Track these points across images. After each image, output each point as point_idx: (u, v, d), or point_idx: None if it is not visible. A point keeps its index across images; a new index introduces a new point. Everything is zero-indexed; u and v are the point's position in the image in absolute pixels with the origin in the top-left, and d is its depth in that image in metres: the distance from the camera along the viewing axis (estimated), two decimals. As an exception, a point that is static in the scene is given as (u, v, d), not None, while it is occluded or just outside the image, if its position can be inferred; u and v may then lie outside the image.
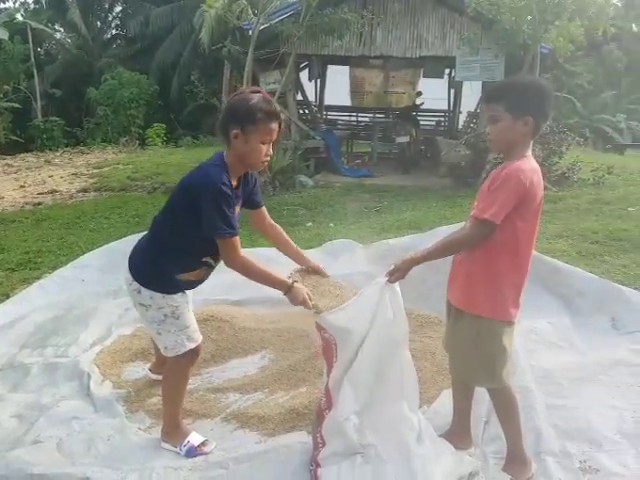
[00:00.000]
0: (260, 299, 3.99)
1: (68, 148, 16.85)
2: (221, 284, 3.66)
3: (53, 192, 9.55)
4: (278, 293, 2.36)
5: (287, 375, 3.15)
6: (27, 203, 8.68)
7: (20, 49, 19.54)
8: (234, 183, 2.32)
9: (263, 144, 2.28)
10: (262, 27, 9.64)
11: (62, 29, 24.25)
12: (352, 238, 5.06)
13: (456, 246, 2.23)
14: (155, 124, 17.84)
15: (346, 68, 16.24)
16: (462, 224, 2.43)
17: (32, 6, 24.62)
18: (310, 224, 6.97)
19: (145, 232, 2.61)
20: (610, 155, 16.14)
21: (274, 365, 3.30)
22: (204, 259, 2.42)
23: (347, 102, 17.08)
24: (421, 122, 13.72)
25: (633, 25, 20.86)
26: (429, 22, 10.33)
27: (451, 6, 10.19)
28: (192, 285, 2.52)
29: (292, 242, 2.71)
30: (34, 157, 14.80)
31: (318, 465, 2.25)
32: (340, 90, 16.36)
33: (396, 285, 2.22)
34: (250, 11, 11.65)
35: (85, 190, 9.70)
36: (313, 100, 14.44)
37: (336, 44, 10.19)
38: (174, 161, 12.64)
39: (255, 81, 10.49)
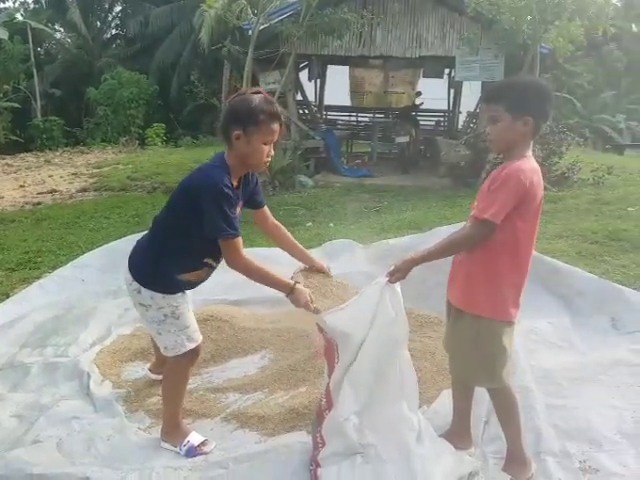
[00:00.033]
0: (260, 299, 3.99)
1: (68, 148, 16.84)
2: (221, 284, 3.66)
3: (53, 192, 9.54)
4: (278, 293, 2.36)
5: (287, 375, 3.15)
6: (27, 203, 8.68)
7: (20, 49, 19.53)
8: (235, 183, 2.32)
9: (265, 145, 2.28)
10: (262, 27, 9.65)
11: (62, 29, 24.25)
12: (352, 238, 5.05)
13: (456, 246, 2.23)
14: (155, 124, 17.85)
15: (346, 68, 16.25)
16: (462, 224, 2.43)
17: (32, 6, 24.65)
18: (310, 224, 6.97)
19: (145, 232, 2.61)
20: (610, 155, 16.15)
21: (274, 365, 3.30)
22: (205, 260, 2.42)
23: (347, 102, 17.09)
24: (421, 122, 13.72)
25: (633, 25, 20.89)
26: (429, 22, 10.33)
27: (451, 6, 10.19)
28: (192, 285, 2.52)
29: (296, 241, 2.71)
30: (34, 157, 14.79)
31: (318, 465, 2.25)
32: (340, 90, 16.37)
33: (397, 285, 2.21)
34: (250, 11, 11.68)
35: (85, 190, 9.70)
36: (313, 100, 14.44)
37: (336, 44, 10.20)
38: (174, 161, 12.64)
39: (255, 81, 10.50)
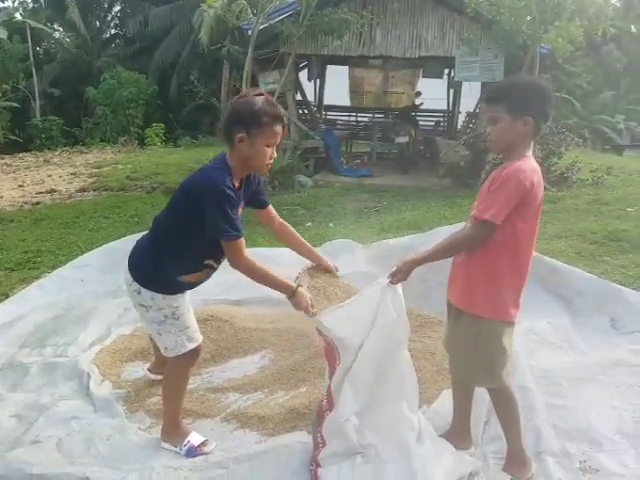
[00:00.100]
0: (260, 299, 3.99)
1: (67, 148, 16.80)
2: (221, 284, 3.66)
3: (52, 192, 9.53)
4: (279, 293, 2.36)
5: (287, 375, 3.15)
6: (26, 202, 8.67)
7: (19, 48, 19.51)
8: (236, 184, 2.32)
9: (268, 147, 2.29)
10: (261, 27, 9.64)
11: (61, 28, 24.23)
12: (351, 238, 5.05)
13: (457, 247, 2.23)
14: (154, 124, 17.80)
15: (345, 68, 16.25)
16: (462, 224, 2.43)
17: (31, 5, 24.64)
18: (309, 224, 6.97)
19: (144, 232, 2.61)
20: (609, 155, 16.16)
21: (274, 365, 3.30)
22: (206, 261, 2.42)
23: (346, 102, 17.09)
24: (420, 122, 13.72)
25: (632, 26, 20.88)
26: (429, 22, 10.32)
27: (451, 6, 10.18)
28: (193, 286, 2.52)
29: (303, 240, 2.72)
30: (33, 157, 14.77)
31: (318, 465, 2.25)
32: (339, 90, 16.37)
33: (398, 287, 2.21)
34: (249, 11, 11.66)
35: (84, 190, 9.68)
36: (312, 100, 14.43)
37: (335, 44, 10.19)
38: (173, 161, 12.62)
39: (254, 81, 10.49)
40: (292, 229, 2.72)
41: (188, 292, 2.55)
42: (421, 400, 2.54)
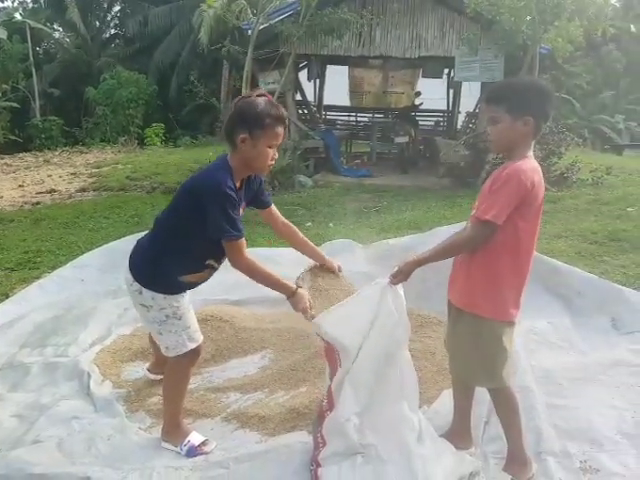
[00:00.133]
0: (260, 299, 3.98)
1: (67, 148, 16.80)
2: (221, 284, 3.65)
3: (52, 192, 9.53)
4: (278, 293, 2.37)
5: (287, 375, 3.15)
6: (26, 202, 8.67)
7: (19, 48, 19.50)
8: (238, 185, 2.33)
9: (270, 148, 2.29)
10: (261, 27, 9.63)
11: (61, 28, 24.22)
12: (351, 238, 5.05)
13: (458, 248, 2.23)
14: (154, 124, 17.81)
15: (345, 68, 16.24)
16: (462, 224, 2.43)
17: (31, 5, 24.64)
18: (309, 224, 6.97)
19: (144, 232, 2.61)
20: (608, 155, 16.16)
21: (274, 365, 3.30)
22: (207, 262, 2.43)
23: (346, 102, 17.09)
24: (420, 122, 13.72)
25: (632, 26, 20.87)
26: (428, 22, 10.32)
27: (450, 6, 10.18)
28: (194, 285, 2.52)
29: (307, 239, 2.72)
30: (33, 157, 14.77)
31: (319, 465, 2.25)
32: (339, 90, 16.37)
33: (399, 287, 2.21)
34: (249, 11, 11.66)
35: (84, 190, 9.68)
36: (312, 100, 14.42)
37: (335, 44, 10.19)
38: (173, 161, 12.62)
39: (254, 81, 10.49)
40: (295, 229, 2.73)
41: (188, 292, 2.56)
42: (421, 400, 2.54)
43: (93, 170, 11.86)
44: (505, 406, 2.33)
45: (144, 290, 2.39)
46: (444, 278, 2.41)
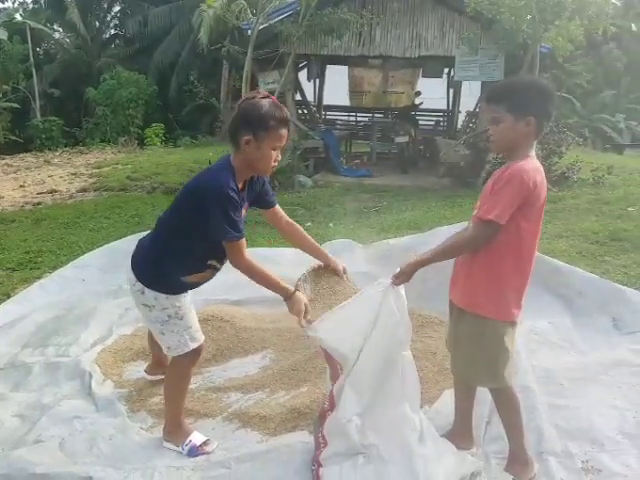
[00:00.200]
0: (260, 299, 3.97)
1: (67, 148, 16.80)
2: (222, 284, 3.65)
3: (53, 192, 9.52)
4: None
5: (288, 375, 3.15)
6: (27, 203, 8.66)
7: (19, 49, 19.51)
8: (240, 186, 2.33)
9: (274, 150, 2.30)
10: (261, 27, 9.64)
11: (61, 29, 24.23)
12: (351, 238, 5.06)
13: (460, 248, 2.23)
14: (154, 124, 17.80)
15: (345, 68, 16.24)
16: (462, 224, 2.42)
17: (31, 6, 24.62)
18: (309, 224, 6.96)
19: (145, 232, 2.61)
20: (609, 155, 16.15)
21: (275, 365, 3.30)
22: (209, 262, 2.43)
23: (346, 102, 17.09)
24: (420, 122, 13.72)
25: (632, 24, 20.85)
26: (428, 22, 10.32)
27: (450, 6, 10.17)
28: (196, 285, 2.53)
29: (312, 239, 2.72)
30: (33, 157, 14.76)
31: (320, 465, 2.25)
32: (339, 90, 16.36)
33: (401, 288, 2.21)
34: (249, 11, 11.66)
35: (84, 190, 9.68)
36: (312, 100, 14.42)
37: (335, 44, 10.19)
38: (173, 161, 12.62)
39: (254, 81, 10.49)
40: (299, 227, 2.73)
41: (190, 292, 2.56)
42: (423, 400, 2.54)
43: (93, 170, 11.86)
44: (507, 406, 2.33)
45: (146, 290, 2.40)
46: (445, 278, 2.41)
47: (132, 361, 3.37)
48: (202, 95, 18.96)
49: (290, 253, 4.40)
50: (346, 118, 15.77)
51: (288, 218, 2.71)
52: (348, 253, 4.57)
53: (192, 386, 2.88)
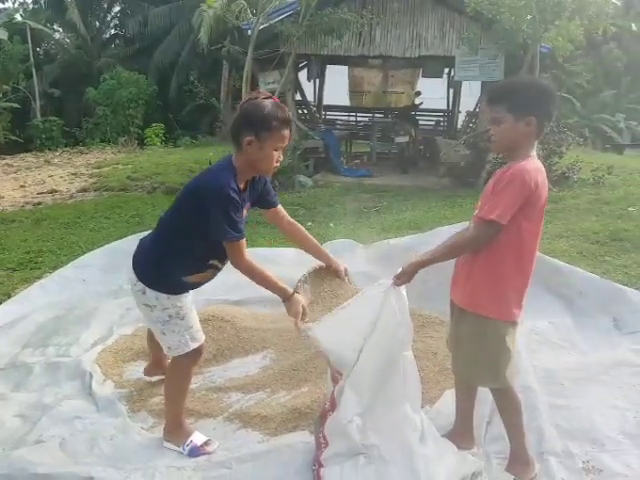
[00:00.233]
0: (260, 299, 3.97)
1: (67, 148, 16.79)
2: (223, 284, 3.65)
3: (53, 192, 9.52)
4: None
5: (289, 375, 3.15)
6: (27, 203, 8.67)
7: (19, 49, 19.49)
8: (241, 186, 2.33)
9: (276, 151, 2.30)
10: (261, 27, 9.64)
11: (61, 29, 24.21)
12: (352, 238, 5.06)
13: (462, 248, 2.23)
14: (154, 124, 17.79)
15: (345, 68, 16.24)
16: (462, 224, 2.42)
17: (31, 6, 24.60)
18: (310, 224, 6.96)
19: (145, 232, 2.61)
20: (609, 155, 16.15)
21: (276, 365, 3.30)
22: (210, 262, 2.43)
23: (346, 102, 17.08)
24: (420, 122, 13.71)
25: (633, 24, 20.84)
26: (428, 22, 10.32)
27: (450, 6, 10.18)
28: (197, 285, 2.53)
29: (314, 240, 2.71)
30: (33, 157, 14.76)
31: (321, 465, 2.25)
32: (339, 90, 16.36)
33: (402, 288, 2.21)
34: (249, 11, 11.67)
35: (85, 190, 9.68)
36: (312, 100, 14.42)
37: (335, 44, 10.19)
38: (173, 161, 12.62)
39: (254, 81, 10.49)
40: (301, 227, 2.73)
41: (191, 292, 2.56)
42: (423, 400, 2.53)
43: (94, 170, 11.86)
44: (508, 406, 2.33)
45: (148, 290, 2.40)
46: (445, 278, 2.41)
47: (133, 361, 3.37)
48: (202, 95, 18.97)
49: (290, 253, 4.41)
50: (346, 118, 15.76)
51: (290, 218, 2.71)
52: (349, 253, 4.57)
53: (193, 386, 2.87)
